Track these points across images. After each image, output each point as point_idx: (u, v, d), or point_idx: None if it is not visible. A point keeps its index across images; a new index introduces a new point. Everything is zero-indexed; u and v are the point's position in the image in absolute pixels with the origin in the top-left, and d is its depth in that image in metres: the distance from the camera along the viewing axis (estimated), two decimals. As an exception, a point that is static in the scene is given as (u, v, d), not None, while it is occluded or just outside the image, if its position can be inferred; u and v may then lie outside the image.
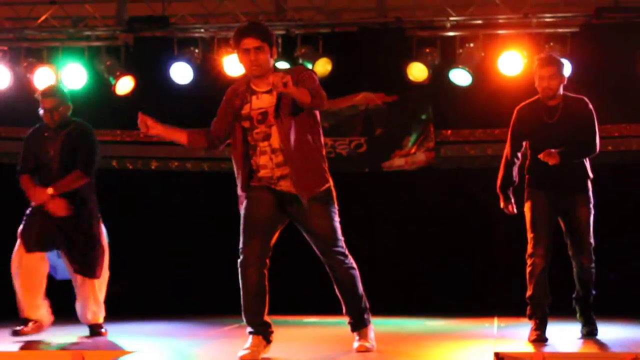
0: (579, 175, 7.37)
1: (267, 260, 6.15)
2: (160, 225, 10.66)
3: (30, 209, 7.76)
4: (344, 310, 6.39)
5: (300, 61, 10.41)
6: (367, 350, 6.26)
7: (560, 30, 10.25)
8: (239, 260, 6.12)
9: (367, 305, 6.41)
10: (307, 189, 6.09)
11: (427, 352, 7.05)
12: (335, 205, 6.31)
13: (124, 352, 6.78)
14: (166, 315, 9.65)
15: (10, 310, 7.87)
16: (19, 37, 11.01)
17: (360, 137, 10.63)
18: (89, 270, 7.78)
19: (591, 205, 7.39)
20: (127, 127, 10.80)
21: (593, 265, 7.43)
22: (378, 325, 7.56)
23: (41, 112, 7.82)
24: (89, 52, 10.86)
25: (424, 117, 10.55)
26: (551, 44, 10.12)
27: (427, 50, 10.39)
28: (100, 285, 7.91)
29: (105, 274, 7.96)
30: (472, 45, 10.31)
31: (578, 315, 7.66)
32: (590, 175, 7.43)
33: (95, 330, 7.92)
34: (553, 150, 7.06)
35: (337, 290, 6.34)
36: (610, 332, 7.66)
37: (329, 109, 10.62)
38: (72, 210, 7.64)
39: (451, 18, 10.39)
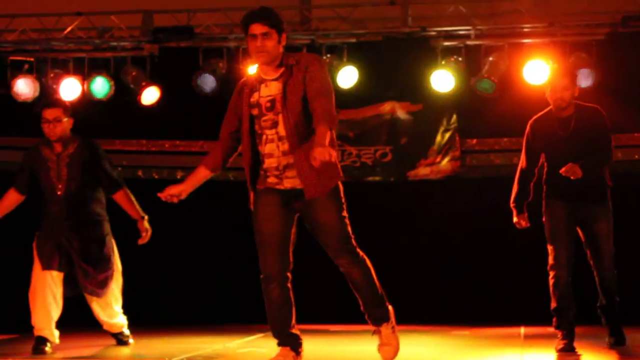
0: (597, 185, 7.34)
1: (289, 274, 6.06)
2: (187, 233, 10.67)
3: (42, 226, 7.69)
4: (361, 307, 6.19)
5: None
6: (389, 355, 6.13)
7: (585, 38, 10.22)
8: (261, 277, 6.06)
9: (386, 300, 6.19)
10: (315, 184, 5.90)
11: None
12: (343, 200, 6.06)
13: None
14: (194, 324, 9.66)
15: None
16: (46, 48, 11.07)
17: (385, 146, 10.63)
18: (98, 290, 7.70)
19: (610, 214, 7.37)
20: (153, 137, 10.88)
21: (615, 273, 7.40)
22: (403, 334, 7.56)
23: (41, 122, 7.64)
24: (115, 62, 10.90)
25: (449, 126, 10.54)
26: (577, 52, 10.11)
27: (452, 59, 10.38)
28: (114, 301, 7.88)
29: (118, 290, 7.94)
30: (497, 54, 10.31)
31: (604, 324, 7.60)
32: (609, 184, 7.41)
33: (119, 339, 7.97)
34: (575, 165, 7.00)
35: (352, 288, 6.16)
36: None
37: (354, 118, 10.65)
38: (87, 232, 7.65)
39: (477, 27, 10.39)
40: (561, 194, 7.31)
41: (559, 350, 7.19)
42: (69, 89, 10.53)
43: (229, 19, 10.79)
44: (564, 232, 7.28)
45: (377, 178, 10.64)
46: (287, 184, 5.99)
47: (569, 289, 7.27)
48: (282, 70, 5.96)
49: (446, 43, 10.47)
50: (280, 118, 5.91)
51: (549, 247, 7.33)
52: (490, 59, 10.29)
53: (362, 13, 10.58)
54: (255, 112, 5.99)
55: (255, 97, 5.99)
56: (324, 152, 5.52)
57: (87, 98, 10.53)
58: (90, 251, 7.63)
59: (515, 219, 7.61)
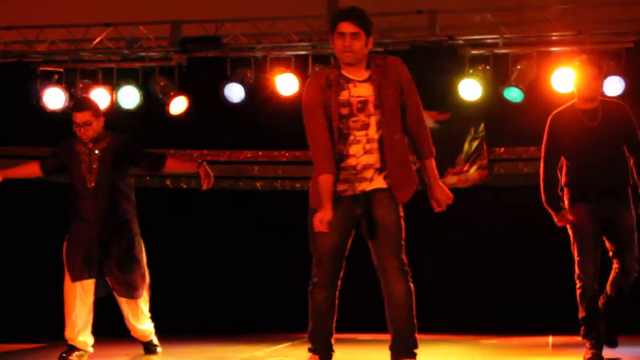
0: (621, 182, 7.12)
1: (338, 282, 5.92)
2: (214, 242, 10.70)
3: (72, 230, 7.66)
4: (391, 339, 5.83)
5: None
6: None
7: (614, 46, 10.21)
8: (310, 281, 5.92)
9: (416, 338, 5.79)
10: (403, 188, 5.80)
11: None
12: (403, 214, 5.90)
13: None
14: (221, 333, 9.69)
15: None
16: (75, 59, 11.14)
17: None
18: (130, 292, 7.67)
19: (633, 211, 7.14)
20: (181, 146, 10.92)
21: (637, 270, 7.18)
22: (431, 343, 7.57)
23: (73, 124, 7.64)
24: (143, 72, 10.97)
25: (477, 134, 10.54)
26: (605, 60, 10.07)
27: (480, 67, 10.38)
28: (144, 303, 7.85)
29: (146, 291, 7.89)
30: (525, 62, 10.30)
31: (604, 323, 7.30)
32: (631, 181, 7.16)
33: (148, 347, 7.97)
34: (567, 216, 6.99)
35: (387, 312, 5.82)
36: None
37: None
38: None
39: (504, 36, 10.39)
40: (584, 194, 7.09)
41: (588, 359, 7.08)
42: (98, 99, 10.57)
43: (257, 28, 10.85)
44: (590, 242, 7.08)
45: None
46: (358, 187, 5.79)
47: (597, 298, 7.15)
48: (370, 72, 5.78)
49: (474, 52, 10.48)
50: (372, 120, 5.74)
51: (575, 257, 7.16)
52: (518, 67, 10.29)
53: (390, 22, 10.60)
54: (345, 111, 5.75)
55: (344, 96, 5.75)
56: (449, 197, 5.92)
57: (115, 108, 10.60)
58: (120, 253, 7.59)
59: (556, 219, 7.21)
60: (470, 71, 10.33)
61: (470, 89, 10.27)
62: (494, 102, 10.33)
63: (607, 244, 7.23)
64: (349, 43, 5.67)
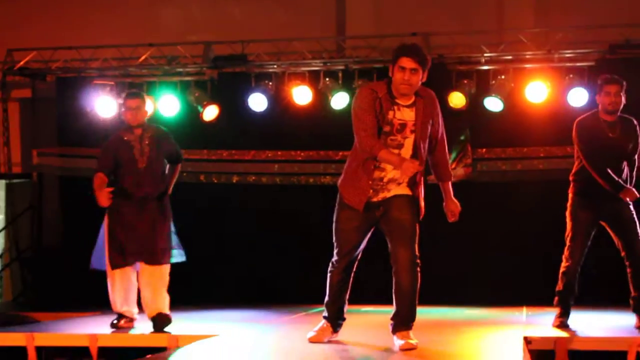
0: (626, 181, 6.99)
1: (354, 266, 5.99)
2: (242, 227, 10.69)
3: (107, 218, 7.49)
4: (393, 312, 5.84)
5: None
6: (411, 347, 5.67)
7: (578, 64, 10.16)
8: (331, 262, 5.98)
9: (415, 316, 5.85)
10: (415, 192, 5.82)
11: (466, 336, 7.02)
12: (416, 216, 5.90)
13: (208, 335, 6.83)
14: (242, 304, 9.68)
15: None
16: (123, 74, 11.15)
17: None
18: (156, 258, 7.33)
19: (631, 206, 7.00)
20: (212, 147, 10.92)
21: None
22: (426, 313, 7.53)
23: (123, 111, 7.60)
24: (181, 85, 10.94)
25: (462, 137, 10.48)
26: (571, 75, 10.06)
27: (465, 81, 10.35)
28: (165, 275, 7.41)
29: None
30: (503, 77, 10.27)
31: (638, 316, 7.12)
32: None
33: (162, 318, 7.28)
34: (633, 191, 6.83)
35: (394, 292, 5.80)
36: (622, 320, 7.53)
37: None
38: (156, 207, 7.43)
39: (485, 54, 10.37)
40: (590, 192, 7.00)
41: (555, 326, 7.15)
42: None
43: (277, 48, 10.85)
44: (584, 232, 7.04)
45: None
46: (381, 196, 5.78)
47: (575, 279, 7.12)
48: (413, 99, 5.72)
49: (460, 67, 10.45)
50: (406, 142, 5.72)
51: (567, 242, 7.12)
52: (498, 80, 10.27)
53: (389, 43, 10.53)
54: (387, 129, 5.69)
55: (390, 115, 5.68)
56: (458, 208, 6.10)
57: (157, 115, 10.59)
58: (154, 223, 7.38)
59: (623, 196, 6.86)
60: (457, 84, 10.30)
61: (457, 99, 10.23)
62: (477, 110, 10.29)
63: (615, 240, 7.08)
64: (408, 77, 5.60)
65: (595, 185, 6.94)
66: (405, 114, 5.70)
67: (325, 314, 6.11)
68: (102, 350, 7.05)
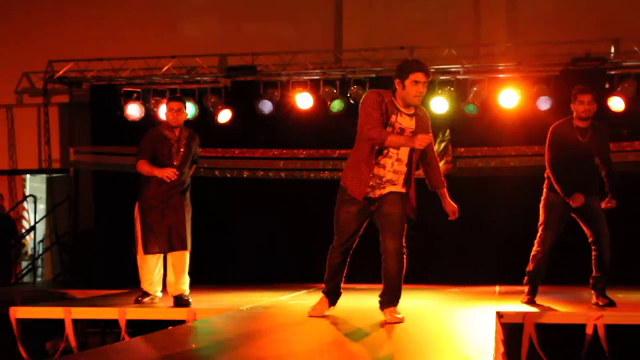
0: (593, 181, 6.97)
1: (352, 250, 5.93)
2: (251, 216, 10.68)
3: (139, 210, 7.37)
4: (381, 291, 5.81)
5: (353, 98, 10.36)
6: (398, 321, 5.64)
7: (545, 74, 10.17)
8: (331, 246, 5.90)
9: (400, 296, 5.81)
10: (412, 200, 5.80)
11: (446, 310, 7.02)
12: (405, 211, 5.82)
13: (226, 309, 6.84)
14: (254, 284, 9.68)
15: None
16: (149, 82, 11.13)
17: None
18: (184, 244, 7.28)
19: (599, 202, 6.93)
20: (226, 146, 10.91)
21: (610, 252, 6.94)
22: (412, 292, 7.53)
23: (165, 112, 7.46)
24: (199, 92, 10.93)
25: (444, 138, 10.45)
26: (538, 84, 10.05)
27: (446, 89, 10.34)
28: (187, 260, 7.36)
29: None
30: (479, 85, 10.26)
31: (596, 293, 7.04)
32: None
33: (183, 299, 7.27)
34: (613, 201, 6.80)
35: (382, 273, 5.77)
36: (582, 297, 7.53)
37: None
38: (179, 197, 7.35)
39: (464, 65, 10.36)
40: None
41: (524, 302, 7.16)
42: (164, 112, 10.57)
43: (282, 60, 10.87)
44: (556, 226, 7.00)
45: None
46: (378, 193, 5.72)
47: (545, 263, 7.09)
48: (413, 110, 5.68)
49: (442, 77, 10.42)
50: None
51: (539, 231, 7.06)
52: (475, 89, 10.26)
53: (380, 55, 10.56)
54: (389, 129, 5.61)
55: (392, 119, 5.61)
56: (456, 209, 6.12)
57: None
58: (179, 213, 7.31)
59: (572, 203, 6.83)
60: (439, 91, 10.27)
61: (439, 104, 10.21)
62: (456, 114, 10.27)
63: (585, 229, 7.02)
64: (422, 90, 5.58)
65: (572, 184, 6.86)
66: (405, 121, 5.66)
67: (324, 289, 6.08)
68: (130, 322, 7.05)
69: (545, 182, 7.12)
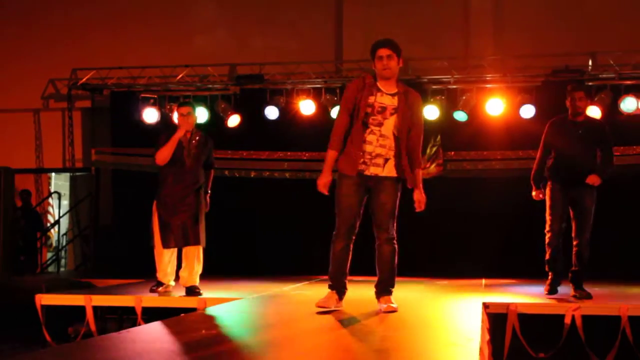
0: (588, 173, 6.84)
1: (353, 236, 5.61)
2: (258, 213, 10.66)
3: (156, 207, 7.27)
4: (376, 281, 5.70)
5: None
6: (393, 310, 5.55)
7: (528, 84, 10.16)
8: (333, 234, 5.57)
9: (394, 284, 5.70)
10: (400, 171, 5.51)
11: (436, 301, 7.00)
12: (399, 195, 5.60)
13: (232, 299, 6.82)
14: (259, 274, 9.66)
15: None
16: (164, 89, 11.12)
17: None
18: (197, 239, 7.21)
19: (594, 197, 6.89)
20: (235, 148, 10.89)
21: (589, 245, 6.91)
22: (404, 284, 7.49)
23: (177, 117, 7.36)
24: (210, 98, 10.92)
25: (435, 142, 10.45)
26: (522, 94, 10.04)
27: (438, 97, 10.33)
28: (200, 254, 7.31)
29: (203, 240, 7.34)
30: (468, 94, 10.25)
31: (574, 285, 7.02)
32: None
33: (194, 290, 7.23)
34: (597, 177, 6.72)
35: (377, 263, 5.66)
36: (562, 290, 7.50)
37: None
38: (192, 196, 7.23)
39: (454, 76, 10.35)
40: (562, 180, 6.89)
41: (547, 292, 6.99)
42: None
43: (287, 69, 10.85)
44: (560, 209, 6.88)
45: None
46: (372, 170, 5.51)
47: (559, 247, 6.93)
48: (395, 90, 5.53)
49: (434, 86, 10.43)
50: (386, 122, 5.49)
51: (547, 217, 6.94)
52: (464, 97, 10.25)
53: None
54: (369, 110, 5.48)
55: (371, 100, 5.48)
56: (423, 199, 5.62)
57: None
58: (193, 211, 7.22)
59: (533, 194, 7.04)
60: (431, 100, 10.27)
61: (431, 111, 10.20)
62: (447, 121, 10.27)
63: (572, 222, 6.97)
64: (386, 62, 5.49)
65: (564, 174, 6.85)
66: (386, 100, 5.51)
67: (331, 283, 5.68)
68: (145, 310, 7.04)
69: (548, 174, 7.05)
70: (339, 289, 5.67)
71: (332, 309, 5.59)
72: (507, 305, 6.65)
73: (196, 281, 7.30)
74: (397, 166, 5.54)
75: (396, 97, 5.54)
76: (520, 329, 6.55)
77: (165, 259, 7.39)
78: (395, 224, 5.66)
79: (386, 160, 5.53)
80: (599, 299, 6.94)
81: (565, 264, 7.06)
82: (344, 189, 5.57)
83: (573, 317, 6.46)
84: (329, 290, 5.67)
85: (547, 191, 7.02)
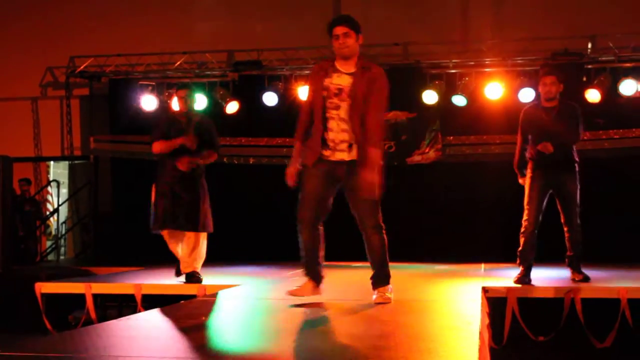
0: (567, 160, 6.82)
1: (320, 222, 5.26)
2: (256, 198, 10.67)
3: (154, 191, 7.17)
4: (371, 275, 5.40)
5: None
6: (385, 301, 5.25)
7: (527, 68, 10.13)
8: (297, 221, 5.32)
9: (389, 272, 5.37)
10: (364, 156, 5.11)
11: (435, 286, 7.01)
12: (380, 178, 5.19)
13: (231, 285, 6.83)
14: (256, 261, 9.67)
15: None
16: (162, 76, 11.12)
17: (390, 141, 10.56)
18: (197, 226, 7.09)
19: (577, 182, 6.85)
20: (233, 134, 10.89)
21: (580, 228, 6.86)
22: (404, 269, 7.51)
23: (175, 100, 7.23)
24: (209, 85, 10.91)
25: (434, 127, 10.46)
26: (521, 78, 10.02)
27: (437, 82, 10.32)
28: (204, 240, 7.25)
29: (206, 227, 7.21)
30: (467, 78, 10.23)
31: (572, 269, 7.03)
32: (577, 159, 6.88)
33: (194, 276, 7.16)
34: (547, 142, 6.64)
35: (367, 253, 5.34)
36: (561, 273, 7.50)
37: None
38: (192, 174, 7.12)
39: (453, 60, 10.33)
40: (541, 166, 6.81)
41: (516, 282, 6.84)
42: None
43: (285, 55, 10.81)
44: (537, 199, 6.80)
45: (385, 163, 10.58)
46: (338, 156, 5.18)
47: (534, 239, 6.83)
48: (355, 69, 5.18)
49: (433, 71, 10.42)
50: (343, 104, 5.14)
51: (525, 206, 6.86)
52: (463, 81, 10.23)
53: (376, 51, 10.52)
54: (325, 93, 5.17)
55: (327, 82, 5.17)
56: (372, 185, 5.08)
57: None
58: (192, 196, 7.11)
59: (520, 180, 7.00)
60: (430, 84, 10.26)
61: (430, 96, 10.21)
62: (446, 106, 10.27)
63: (559, 208, 6.92)
64: (343, 41, 5.14)
65: (546, 161, 6.79)
66: (344, 80, 5.17)
67: (305, 272, 5.39)
68: (145, 297, 7.05)
69: (529, 163, 6.99)
70: (315, 277, 5.38)
71: (308, 297, 5.34)
72: (507, 289, 6.67)
73: (197, 267, 7.22)
74: (362, 150, 5.16)
75: (351, 77, 5.19)
76: (519, 313, 6.57)
77: (171, 243, 7.23)
78: (380, 212, 5.29)
79: (350, 145, 5.19)
80: (598, 282, 6.96)
81: (558, 250, 7.06)
82: (304, 178, 5.28)
83: (572, 300, 6.48)
84: (306, 278, 5.40)
85: (527, 179, 6.94)
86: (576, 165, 6.91)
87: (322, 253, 5.37)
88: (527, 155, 7.00)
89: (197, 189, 7.19)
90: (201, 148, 7.19)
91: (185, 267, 7.23)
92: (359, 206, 5.25)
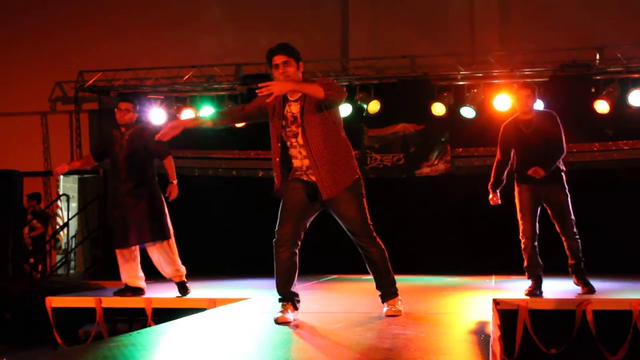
0: (554, 170, 6.79)
1: (299, 242, 5.09)
2: (267, 212, 10.62)
3: (110, 194, 7.13)
4: (375, 285, 5.28)
5: (359, 103, 10.40)
6: (395, 314, 5.17)
7: (535, 80, 10.11)
8: (273, 240, 5.11)
9: (395, 281, 5.24)
10: (330, 185, 4.97)
11: (446, 298, 6.98)
12: (363, 193, 5.07)
13: (241, 299, 6.82)
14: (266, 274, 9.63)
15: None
16: (171, 90, 11.16)
17: (399, 153, 10.58)
18: (159, 235, 7.02)
19: (567, 191, 6.83)
20: (242, 147, 10.94)
21: (577, 236, 6.83)
22: (414, 281, 7.48)
23: (115, 112, 7.13)
24: (217, 98, 10.94)
25: (443, 139, 10.47)
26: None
27: (445, 94, 10.33)
28: (171, 247, 7.12)
29: (172, 237, 7.12)
30: (475, 90, 10.24)
31: (575, 280, 7.00)
32: (563, 168, 6.88)
33: (181, 286, 7.18)
34: (538, 167, 6.61)
35: (370, 268, 5.21)
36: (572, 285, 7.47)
37: (378, 134, 10.59)
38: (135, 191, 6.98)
39: (461, 72, 10.33)
40: (527, 179, 6.78)
41: (528, 294, 6.81)
42: (187, 116, 10.56)
43: (293, 68, 10.81)
44: (530, 211, 6.81)
45: (394, 175, 10.59)
46: (313, 177, 5.03)
47: (536, 253, 6.83)
48: (299, 94, 5.01)
49: (441, 83, 10.44)
50: (299, 131, 4.97)
51: (519, 221, 6.89)
52: (471, 93, 10.23)
53: (384, 63, 10.55)
54: (283, 122, 5.02)
55: (284, 111, 5.04)
56: (278, 84, 4.84)
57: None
58: (144, 206, 6.96)
59: (490, 196, 7.09)
60: (439, 96, 10.26)
61: (438, 108, 10.21)
62: (455, 118, 10.28)
63: (553, 221, 6.91)
64: (283, 70, 5.01)
65: (528, 175, 6.73)
66: (294, 107, 5.02)
67: (280, 297, 5.23)
68: (155, 310, 7.05)
69: (515, 176, 7.00)
70: (292, 299, 5.23)
71: (292, 320, 5.15)
72: (518, 302, 6.64)
73: (182, 275, 7.19)
74: (331, 174, 5.00)
75: (298, 103, 5.04)
76: (531, 325, 6.54)
77: (126, 260, 7.17)
78: (370, 224, 5.12)
79: (320, 167, 5.00)
80: (609, 294, 6.92)
81: (561, 262, 7.03)
82: (288, 190, 5.12)
83: (584, 312, 6.45)
84: (281, 303, 5.23)
85: (516, 194, 6.93)
86: (563, 174, 6.90)
87: (296, 275, 5.23)
88: (513, 169, 7.00)
89: (141, 200, 7.01)
90: (139, 161, 7.04)
91: (172, 278, 7.21)
92: (348, 227, 5.13)
